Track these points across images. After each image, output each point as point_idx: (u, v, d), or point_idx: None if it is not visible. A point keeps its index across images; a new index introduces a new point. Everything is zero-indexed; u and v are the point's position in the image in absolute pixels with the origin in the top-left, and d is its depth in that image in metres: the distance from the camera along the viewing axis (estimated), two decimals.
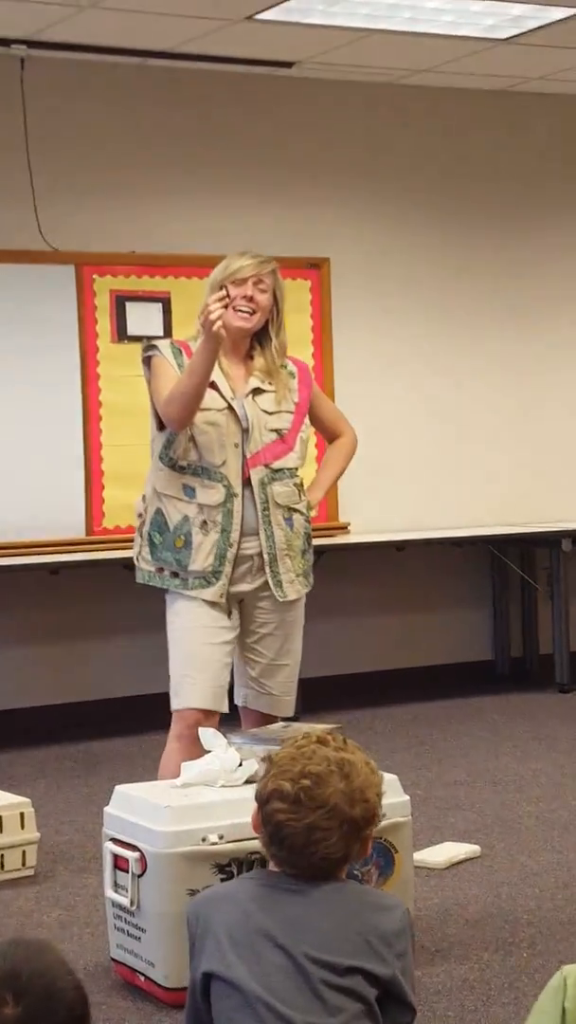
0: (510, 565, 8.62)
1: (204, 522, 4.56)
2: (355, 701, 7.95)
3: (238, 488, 4.57)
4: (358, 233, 8.40)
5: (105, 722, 7.55)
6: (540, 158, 8.85)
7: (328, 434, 4.97)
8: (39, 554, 7.39)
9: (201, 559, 4.55)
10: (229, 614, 4.60)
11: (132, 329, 7.73)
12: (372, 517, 8.37)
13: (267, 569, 4.60)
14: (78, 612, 7.79)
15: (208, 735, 4.07)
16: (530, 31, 7.40)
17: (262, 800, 2.74)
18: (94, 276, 7.68)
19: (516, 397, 8.82)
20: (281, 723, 4.52)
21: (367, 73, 8.11)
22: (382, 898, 2.86)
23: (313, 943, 2.61)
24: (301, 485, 4.72)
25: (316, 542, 7.62)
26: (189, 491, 4.59)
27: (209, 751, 4.02)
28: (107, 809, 3.99)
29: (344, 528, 8.25)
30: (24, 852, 4.93)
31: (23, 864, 4.92)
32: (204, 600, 4.56)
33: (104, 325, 7.70)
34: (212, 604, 4.57)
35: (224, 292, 4.53)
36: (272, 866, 2.78)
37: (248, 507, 4.59)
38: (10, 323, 7.51)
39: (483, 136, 8.70)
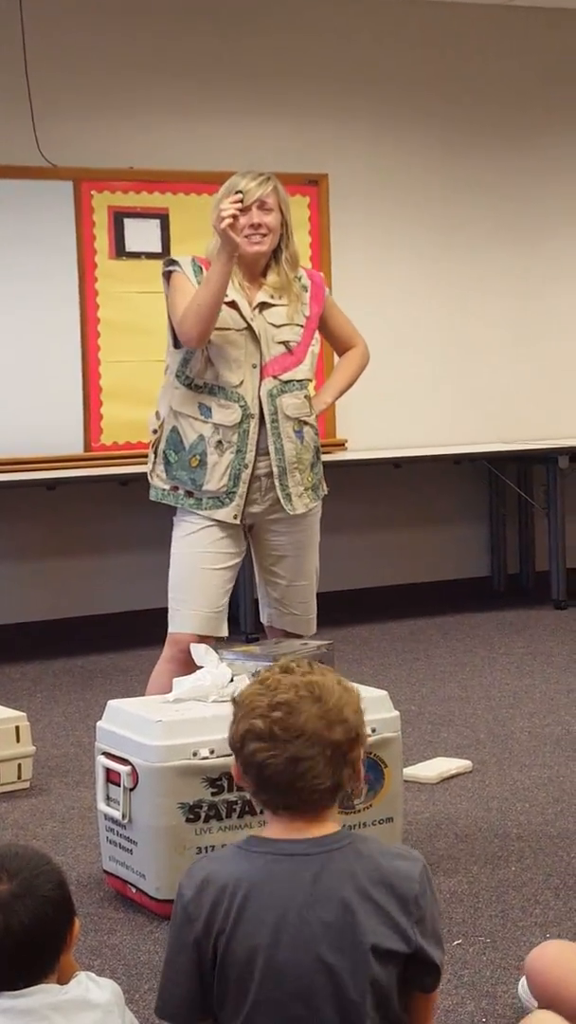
0: (507, 483, 8.64)
1: (219, 442, 4.52)
2: (351, 617, 8.00)
3: (254, 409, 4.54)
4: (357, 149, 8.34)
5: (101, 637, 7.61)
6: (542, 72, 8.78)
7: (340, 346, 4.94)
8: (37, 470, 7.39)
9: (216, 479, 4.53)
10: (239, 538, 4.60)
11: (130, 245, 7.71)
12: (370, 434, 8.38)
13: (276, 482, 4.58)
14: (75, 528, 7.82)
15: (200, 651, 4.10)
16: None
17: (237, 746, 2.58)
18: (92, 192, 7.64)
19: (516, 315, 8.80)
20: (273, 640, 4.55)
21: None
22: (396, 859, 2.57)
23: (326, 940, 2.44)
24: (310, 398, 4.69)
25: None
26: (205, 410, 4.55)
27: (201, 667, 4.06)
28: (100, 723, 4.02)
29: (342, 445, 8.26)
30: (20, 765, 4.98)
31: (19, 777, 4.98)
32: (216, 520, 4.56)
33: (102, 241, 7.67)
34: (223, 525, 4.56)
35: (239, 196, 4.45)
36: (267, 816, 2.62)
37: (262, 426, 4.57)
38: (8, 239, 7.48)
39: (485, 51, 8.62)
